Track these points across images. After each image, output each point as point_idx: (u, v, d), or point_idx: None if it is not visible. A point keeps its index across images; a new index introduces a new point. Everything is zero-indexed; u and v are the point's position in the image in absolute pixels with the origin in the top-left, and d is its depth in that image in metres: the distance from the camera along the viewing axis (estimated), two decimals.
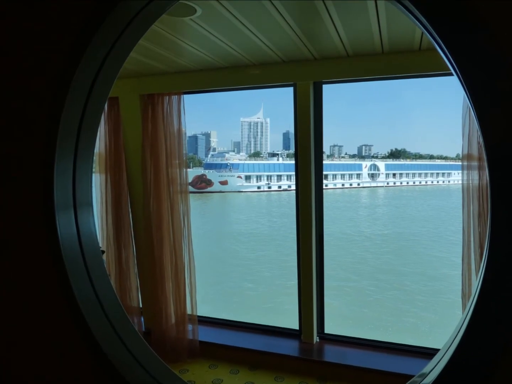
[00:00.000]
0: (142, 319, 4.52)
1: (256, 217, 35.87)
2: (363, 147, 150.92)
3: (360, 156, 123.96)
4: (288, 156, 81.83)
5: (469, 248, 3.28)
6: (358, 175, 65.81)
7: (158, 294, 4.19)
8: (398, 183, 67.92)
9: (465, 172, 3.26)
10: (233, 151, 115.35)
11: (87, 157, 1.59)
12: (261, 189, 58.78)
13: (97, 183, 4.25)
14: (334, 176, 63.05)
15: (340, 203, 44.42)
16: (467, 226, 3.29)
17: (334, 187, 61.64)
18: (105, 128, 4.18)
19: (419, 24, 1.25)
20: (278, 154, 76.39)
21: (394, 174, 68.63)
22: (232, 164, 60.34)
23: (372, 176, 67.14)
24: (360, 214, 38.36)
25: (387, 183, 67.11)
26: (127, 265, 4.36)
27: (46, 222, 1.45)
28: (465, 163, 3.25)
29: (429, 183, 69.91)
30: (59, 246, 1.44)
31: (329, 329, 4.21)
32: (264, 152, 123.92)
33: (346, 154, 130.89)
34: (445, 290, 14.93)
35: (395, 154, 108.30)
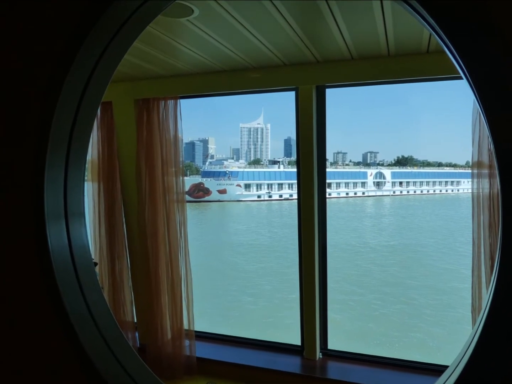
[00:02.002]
0: (137, 334, 4.45)
1: (256, 227, 36.01)
2: (368, 154, 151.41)
3: (365, 163, 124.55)
4: (289, 163, 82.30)
5: (479, 260, 3.20)
6: (363, 184, 65.89)
7: (153, 308, 4.13)
8: (405, 192, 67.88)
9: (475, 180, 3.19)
10: (232, 158, 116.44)
11: (79, 164, 1.57)
12: (261, 198, 58.91)
13: (90, 192, 4.20)
14: (338, 185, 63.26)
15: (344, 213, 44.60)
16: (477, 237, 3.21)
17: (338, 196, 61.89)
18: (98, 134, 4.13)
19: (426, 25, 1.24)
20: (279, 162, 76.27)
21: (400, 183, 68.66)
22: (231, 172, 60.54)
23: (378, 185, 67.15)
24: (365, 224, 38.39)
25: (393, 192, 67.05)
26: (121, 277, 4.29)
27: (36, 233, 1.41)
28: (475, 171, 3.18)
29: (437, 191, 69.76)
30: (49, 258, 1.41)
31: (332, 345, 4.12)
32: (265, 160, 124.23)
33: (350, 161, 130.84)
34: (454, 304, 14.92)
35: (402, 162, 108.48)
